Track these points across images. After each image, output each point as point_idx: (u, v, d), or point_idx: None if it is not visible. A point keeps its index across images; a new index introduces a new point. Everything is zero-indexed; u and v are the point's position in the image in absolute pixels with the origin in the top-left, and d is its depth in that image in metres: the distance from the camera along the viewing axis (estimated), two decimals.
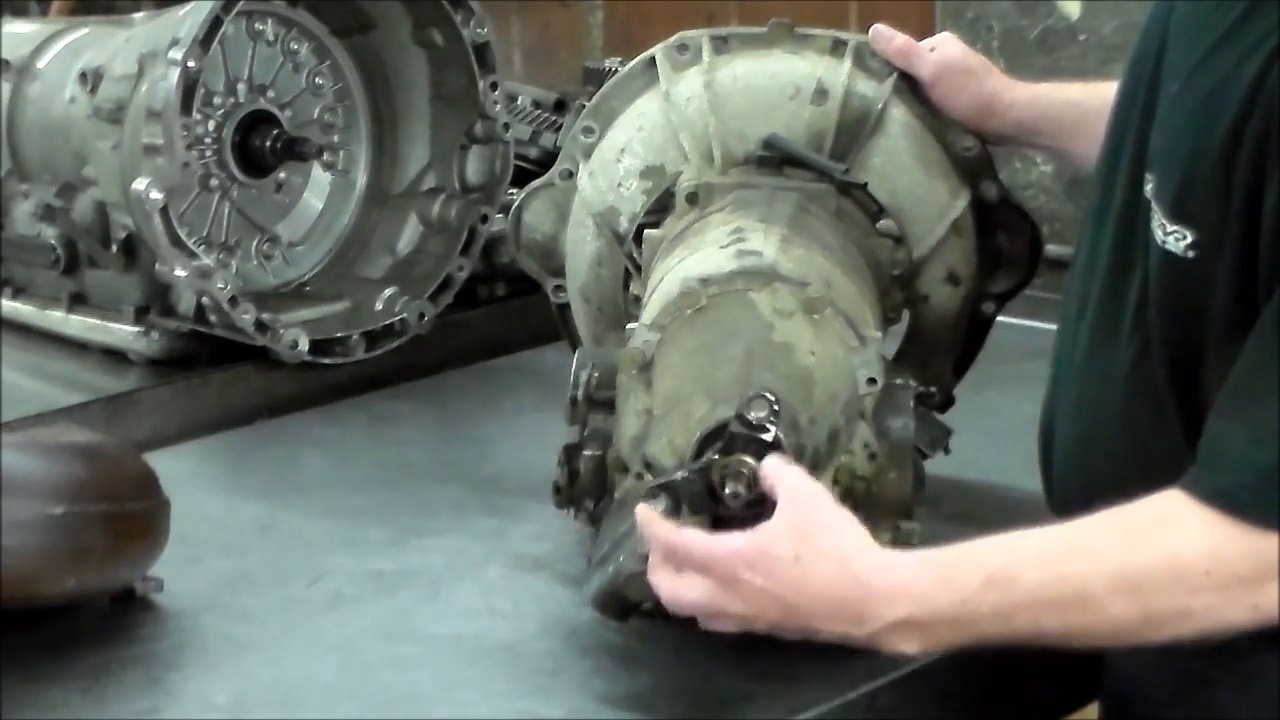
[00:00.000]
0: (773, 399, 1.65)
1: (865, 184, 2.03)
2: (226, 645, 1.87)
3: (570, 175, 2.17)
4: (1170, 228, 1.60)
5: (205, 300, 2.52)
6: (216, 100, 2.65)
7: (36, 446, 1.87)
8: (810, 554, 1.58)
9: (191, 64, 2.45)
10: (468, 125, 2.72)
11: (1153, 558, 1.53)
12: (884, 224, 2.08)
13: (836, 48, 2.10)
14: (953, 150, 2.09)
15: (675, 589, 1.62)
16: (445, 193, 2.75)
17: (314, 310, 2.67)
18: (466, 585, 2.00)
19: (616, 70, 2.95)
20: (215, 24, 2.47)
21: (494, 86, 2.70)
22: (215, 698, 1.77)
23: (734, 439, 1.64)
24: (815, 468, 1.71)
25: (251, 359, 2.58)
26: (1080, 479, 1.76)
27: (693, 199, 2.01)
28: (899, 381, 1.82)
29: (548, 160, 2.89)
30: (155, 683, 1.80)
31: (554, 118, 2.97)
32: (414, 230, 2.76)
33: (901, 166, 2.07)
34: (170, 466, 2.06)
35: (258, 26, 2.69)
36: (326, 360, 2.59)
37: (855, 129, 2.06)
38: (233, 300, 2.49)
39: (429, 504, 2.20)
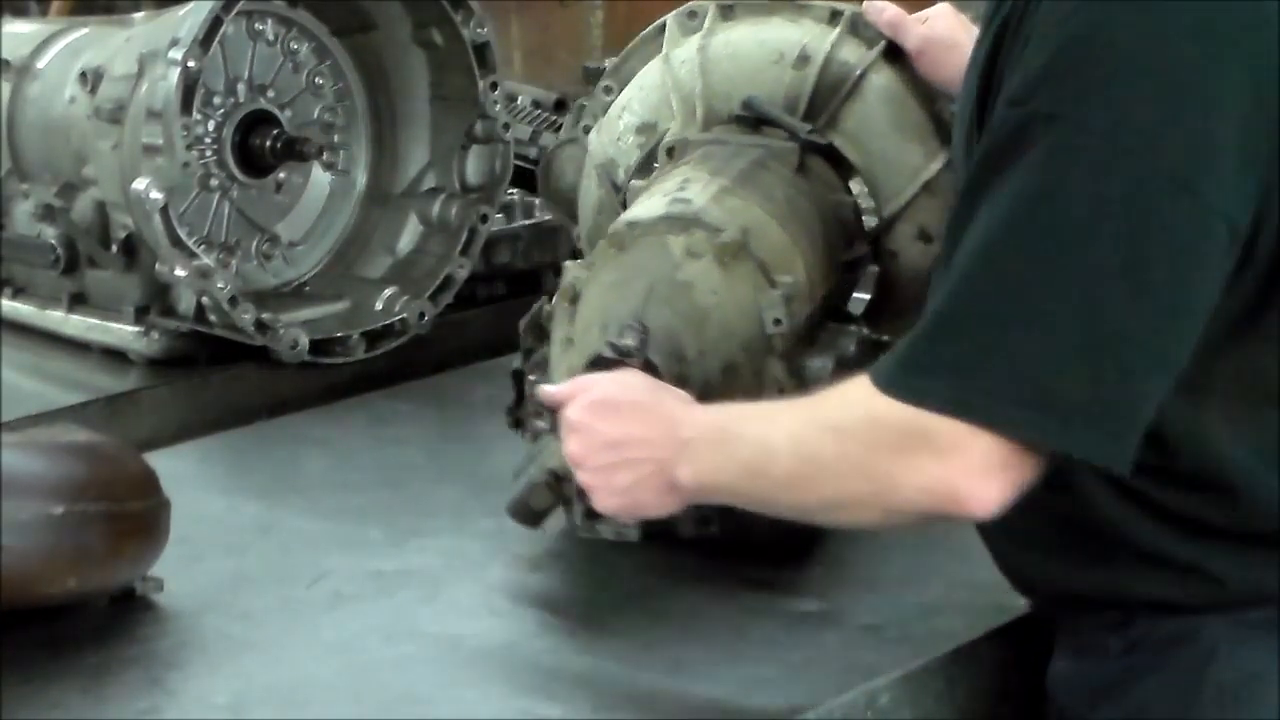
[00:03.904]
0: (641, 328, 1.82)
1: (829, 144, 2.14)
2: (226, 645, 1.87)
3: (588, 131, 2.32)
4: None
5: (205, 300, 2.52)
6: (216, 100, 2.64)
7: (36, 446, 1.87)
8: (624, 378, 1.78)
9: (191, 64, 2.45)
10: (468, 125, 2.72)
11: (825, 413, 1.65)
12: (856, 183, 2.18)
13: (833, 18, 2.22)
14: (941, 115, 2.17)
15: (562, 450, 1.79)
16: (445, 193, 2.75)
17: (314, 310, 2.67)
18: (466, 585, 2.00)
19: None
20: (215, 24, 2.47)
21: (494, 86, 2.70)
22: (215, 698, 1.77)
23: (603, 363, 1.81)
24: (705, 396, 1.81)
25: (251, 359, 2.58)
26: None
27: (670, 153, 2.14)
28: (852, 329, 1.97)
29: None
30: (155, 683, 1.80)
31: (554, 118, 2.96)
32: (414, 230, 2.76)
33: (874, 130, 2.17)
34: (170, 466, 2.06)
35: (258, 26, 2.69)
36: (326, 360, 2.59)
37: (830, 93, 2.17)
38: (233, 300, 2.48)
39: (429, 504, 2.20)
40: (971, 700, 1.84)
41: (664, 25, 2.28)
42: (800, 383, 1.90)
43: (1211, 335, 1.56)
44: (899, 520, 1.64)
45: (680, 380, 1.83)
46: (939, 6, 2.21)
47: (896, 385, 1.57)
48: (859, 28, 2.21)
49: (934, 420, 1.55)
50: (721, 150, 2.10)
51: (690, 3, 2.28)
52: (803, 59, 2.18)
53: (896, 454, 1.57)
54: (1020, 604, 1.89)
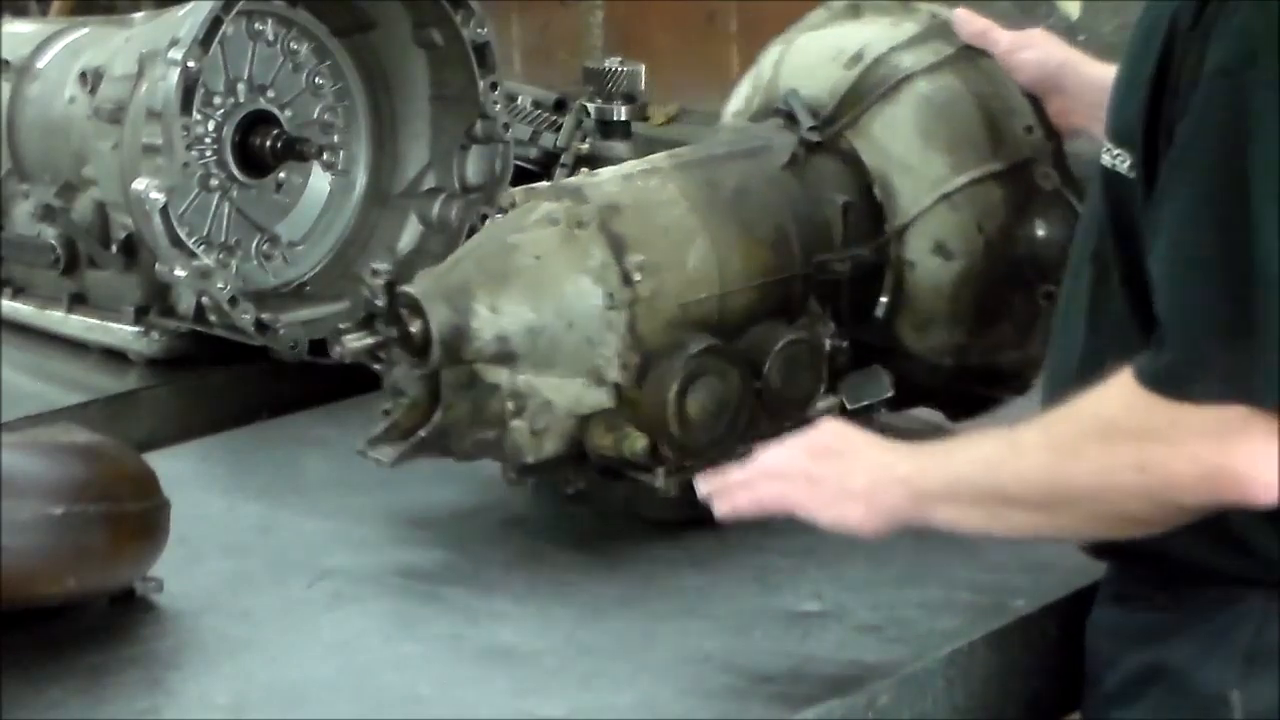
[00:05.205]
0: (385, 273, 2.00)
1: (818, 143, 2.14)
2: (226, 645, 1.87)
3: None
4: (1115, 151, 1.70)
5: (205, 300, 2.52)
6: (216, 100, 2.64)
7: (36, 446, 1.87)
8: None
9: (191, 64, 2.45)
10: (468, 125, 2.72)
11: (1081, 414, 1.65)
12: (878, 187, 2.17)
13: (929, 20, 2.22)
14: (1008, 130, 2.14)
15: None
16: (445, 193, 2.75)
17: (314, 310, 2.67)
18: (466, 585, 2.00)
19: (617, 70, 2.97)
20: (215, 24, 2.47)
21: (494, 86, 2.70)
22: (215, 698, 1.77)
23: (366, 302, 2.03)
24: (545, 361, 1.98)
25: (251, 359, 2.58)
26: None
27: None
28: (706, 345, 2.02)
29: (548, 160, 2.90)
30: (155, 683, 1.80)
31: (554, 118, 2.97)
32: (414, 230, 2.76)
33: (899, 135, 2.15)
34: (170, 466, 2.06)
35: (258, 26, 2.69)
36: (326, 360, 2.59)
37: (865, 94, 2.16)
38: (233, 300, 2.48)
39: (429, 504, 2.20)
40: (971, 700, 1.84)
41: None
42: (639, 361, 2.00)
43: None
44: (1168, 517, 1.62)
45: (450, 331, 1.96)
46: (1034, 31, 2.20)
47: (1165, 379, 1.57)
48: (941, 33, 2.20)
49: (1209, 409, 1.55)
50: (720, 138, 2.16)
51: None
52: (855, 59, 2.19)
53: (1171, 445, 1.57)
54: (1020, 605, 1.89)
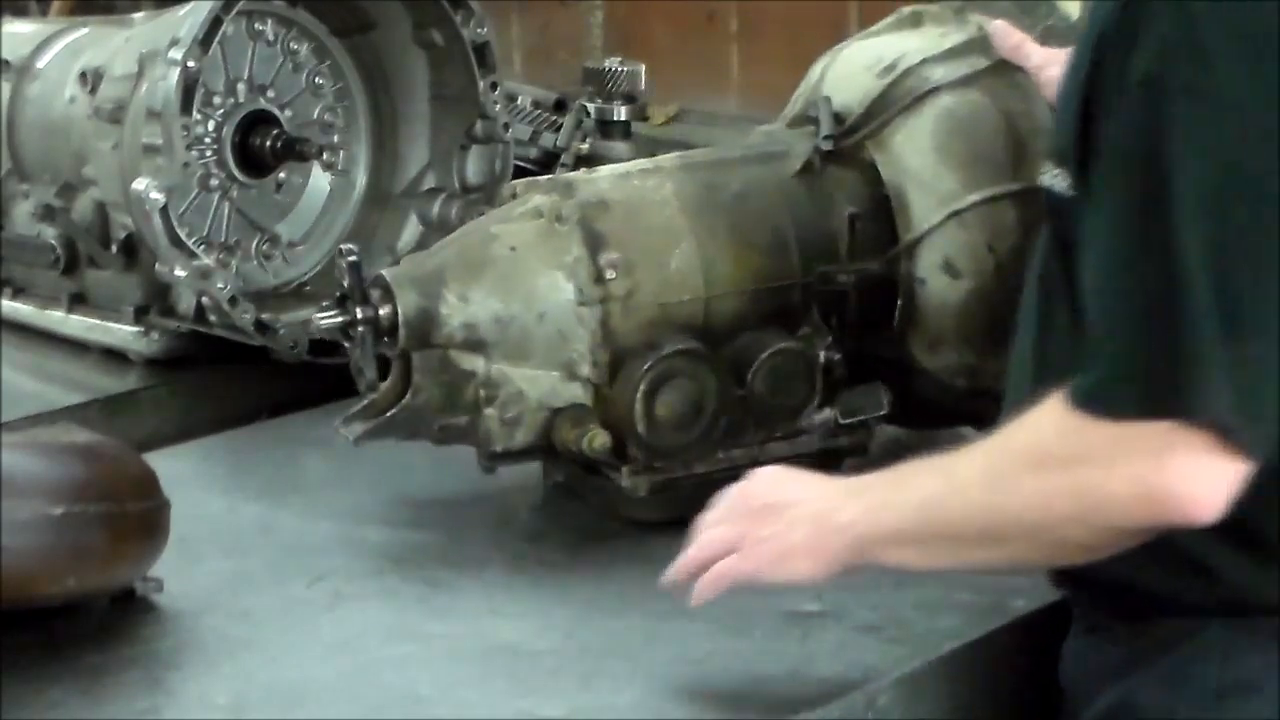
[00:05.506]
0: (351, 257, 2.03)
1: (828, 152, 2.13)
2: (226, 645, 1.87)
3: None
4: (1055, 170, 1.66)
5: (205, 300, 2.52)
6: (216, 100, 2.64)
7: (36, 446, 1.87)
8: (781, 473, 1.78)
9: (191, 64, 2.45)
10: (468, 125, 2.72)
11: (1014, 442, 1.61)
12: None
13: (975, 32, 2.17)
14: (1032, 150, 2.09)
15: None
16: (445, 193, 2.75)
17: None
18: (466, 585, 2.00)
19: (617, 70, 2.97)
20: (215, 24, 2.47)
21: (494, 86, 2.70)
22: (215, 698, 1.77)
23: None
24: (518, 350, 2.01)
25: (251, 359, 2.58)
26: None
27: None
28: (680, 347, 2.03)
29: (548, 160, 2.89)
30: (155, 683, 1.80)
31: (554, 118, 2.96)
32: (414, 230, 2.76)
33: (916, 148, 2.12)
34: (170, 466, 2.06)
35: (258, 26, 2.69)
36: (326, 360, 2.59)
37: (891, 105, 2.13)
38: (233, 300, 2.48)
39: (429, 504, 2.20)
40: (971, 700, 1.84)
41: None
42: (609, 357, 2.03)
43: None
44: (1110, 540, 1.58)
45: (419, 315, 2.00)
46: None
47: (1094, 399, 1.53)
48: (983, 46, 2.15)
49: (1139, 427, 1.50)
50: (743, 141, 2.17)
51: (915, 5, 2.27)
52: (888, 69, 2.16)
53: (1105, 467, 1.52)
54: (1019, 605, 1.89)
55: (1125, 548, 1.58)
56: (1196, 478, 1.50)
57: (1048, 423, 1.56)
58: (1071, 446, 1.54)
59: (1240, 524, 1.56)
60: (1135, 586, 1.66)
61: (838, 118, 2.16)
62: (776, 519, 1.71)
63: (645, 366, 2.01)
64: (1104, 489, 1.53)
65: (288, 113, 2.70)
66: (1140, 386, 1.51)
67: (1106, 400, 1.52)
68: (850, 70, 2.20)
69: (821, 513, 1.69)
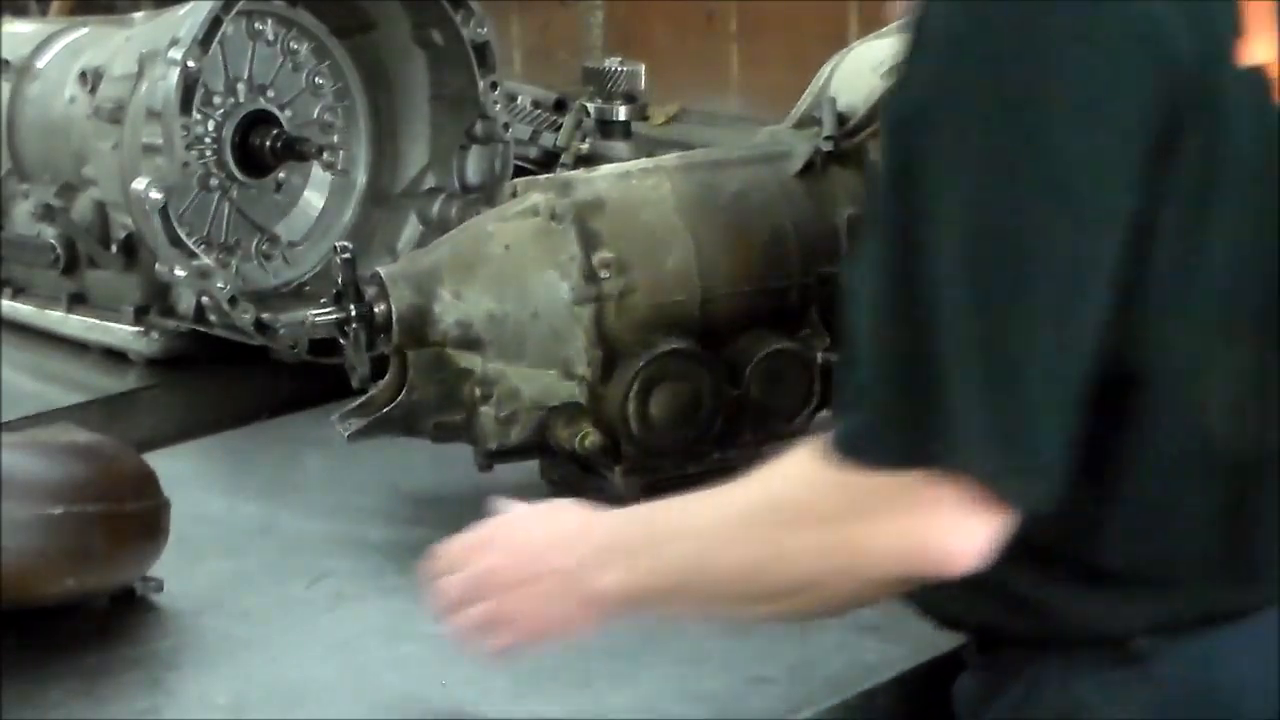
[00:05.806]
0: (345, 254, 2.05)
1: (831, 152, 2.14)
2: (226, 645, 1.87)
3: None
4: None
5: (205, 300, 2.52)
6: (216, 100, 2.64)
7: (36, 446, 1.87)
8: (529, 514, 1.72)
9: (191, 64, 2.45)
10: (468, 125, 2.72)
11: (771, 494, 1.54)
12: None
13: None
14: None
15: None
16: (445, 192, 2.75)
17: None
18: None
19: (617, 70, 2.97)
20: (215, 24, 2.47)
21: (494, 86, 2.70)
22: (215, 698, 1.77)
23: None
24: (511, 347, 2.01)
25: (251, 359, 2.58)
26: None
27: None
28: (674, 346, 2.03)
29: (548, 160, 2.89)
30: (155, 683, 1.80)
31: (554, 118, 2.96)
32: (414, 230, 2.76)
33: None
34: (170, 466, 2.06)
35: (258, 26, 2.69)
36: (326, 360, 2.59)
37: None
38: (233, 300, 2.48)
39: (429, 503, 2.20)
40: None
41: None
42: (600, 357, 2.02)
43: None
44: (871, 594, 1.54)
45: (411, 310, 2.02)
46: None
47: (847, 447, 1.46)
48: None
49: (894, 477, 1.44)
50: (740, 143, 2.18)
51: None
52: (893, 70, 2.17)
53: (859, 522, 1.46)
54: None
55: (897, 594, 1.55)
56: (955, 530, 1.44)
57: (798, 476, 1.50)
58: (832, 501, 1.48)
59: (1072, 558, 1.54)
60: (973, 621, 1.64)
61: (841, 118, 2.16)
62: (528, 591, 1.64)
63: (638, 366, 2.02)
64: (866, 543, 1.47)
65: (288, 113, 2.70)
66: (890, 435, 1.45)
67: (859, 449, 1.46)
68: (857, 71, 2.21)
69: (577, 580, 1.61)
